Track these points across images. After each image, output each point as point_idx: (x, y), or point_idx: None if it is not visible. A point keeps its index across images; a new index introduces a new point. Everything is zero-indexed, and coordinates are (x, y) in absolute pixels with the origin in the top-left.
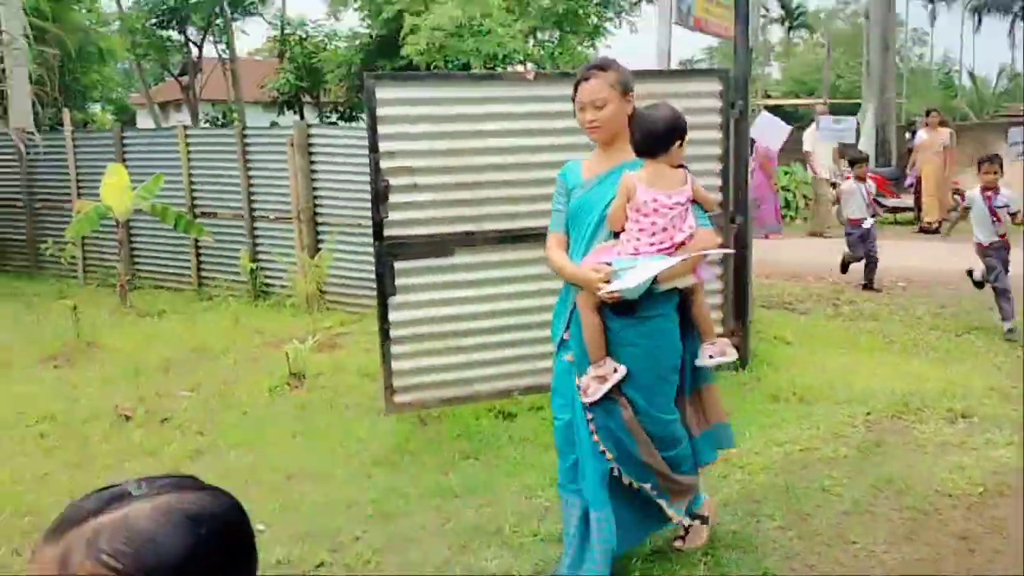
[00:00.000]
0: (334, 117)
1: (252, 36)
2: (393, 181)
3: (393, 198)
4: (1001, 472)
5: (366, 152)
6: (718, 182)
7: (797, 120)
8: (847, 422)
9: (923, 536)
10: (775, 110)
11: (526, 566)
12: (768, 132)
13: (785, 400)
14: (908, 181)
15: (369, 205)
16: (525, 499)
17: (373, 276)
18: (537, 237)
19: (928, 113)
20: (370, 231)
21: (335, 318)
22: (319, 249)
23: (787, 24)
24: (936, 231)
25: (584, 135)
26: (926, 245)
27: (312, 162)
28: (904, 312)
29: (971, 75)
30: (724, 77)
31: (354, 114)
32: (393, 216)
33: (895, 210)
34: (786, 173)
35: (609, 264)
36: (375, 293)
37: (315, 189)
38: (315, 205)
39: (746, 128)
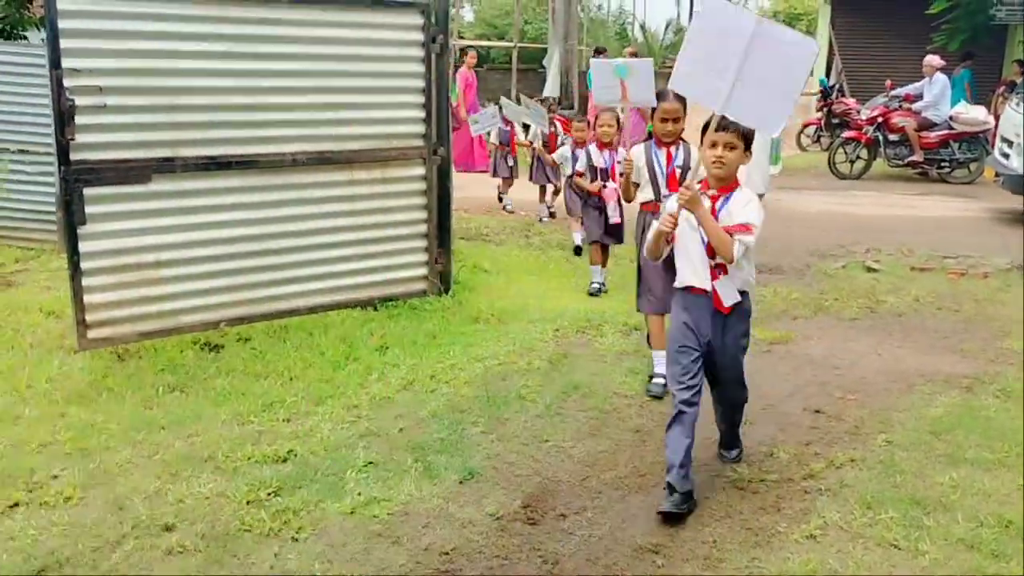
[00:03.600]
0: None
1: None
2: (79, 101)
3: (80, 119)
4: None
5: (42, 73)
6: (421, 114)
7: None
8: (539, 338)
9: (605, 432)
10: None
11: (242, 487)
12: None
13: (485, 321)
14: None
15: (46, 130)
16: (238, 426)
17: (51, 208)
18: (242, 164)
19: (597, 52)
20: (47, 158)
21: (8, 255)
22: None
23: None
24: None
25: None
26: None
27: None
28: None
29: (642, 27)
30: (425, 11)
31: (15, 32)
32: (81, 139)
33: None
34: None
35: None
36: (55, 226)
37: None
38: None
39: (445, 63)
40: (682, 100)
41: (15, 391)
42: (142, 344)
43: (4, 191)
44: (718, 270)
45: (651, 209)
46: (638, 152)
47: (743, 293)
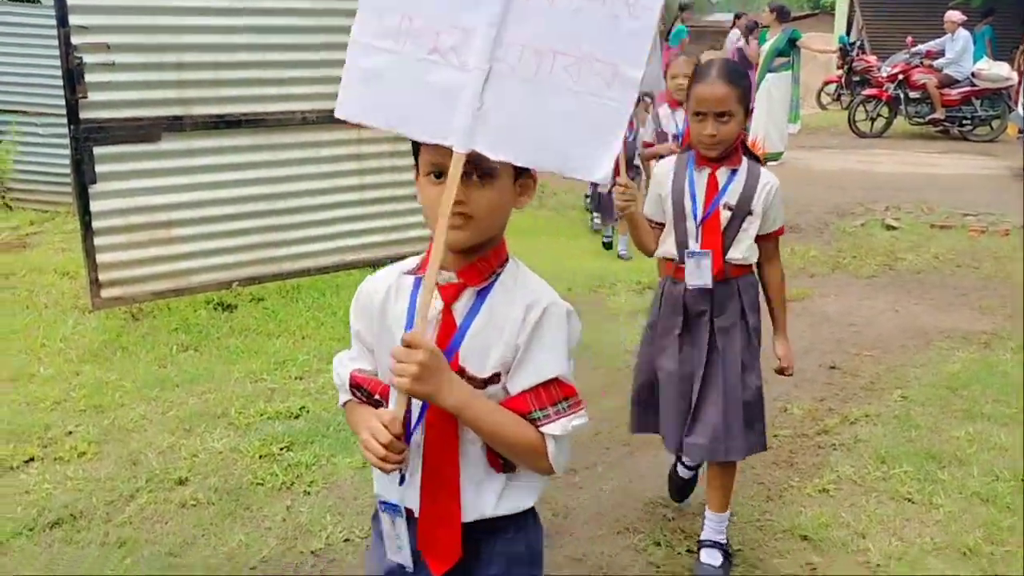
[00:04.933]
0: None
1: None
2: (88, 59)
3: (89, 78)
4: None
5: (53, 35)
6: None
7: None
8: None
9: (615, 389)
10: None
11: (254, 442)
12: None
13: None
14: None
15: (58, 92)
16: (251, 384)
17: (65, 171)
18: (251, 123)
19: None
20: (59, 121)
21: (23, 217)
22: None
23: None
24: None
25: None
26: None
27: None
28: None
29: None
30: None
31: None
32: (90, 97)
33: None
34: None
35: None
36: (69, 188)
37: None
38: None
39: None
40: (737, 79)
41: (30, 350)
42: (156, 304)
43: (18, 154)
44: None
45: (672, 273)
46: (664, 171)
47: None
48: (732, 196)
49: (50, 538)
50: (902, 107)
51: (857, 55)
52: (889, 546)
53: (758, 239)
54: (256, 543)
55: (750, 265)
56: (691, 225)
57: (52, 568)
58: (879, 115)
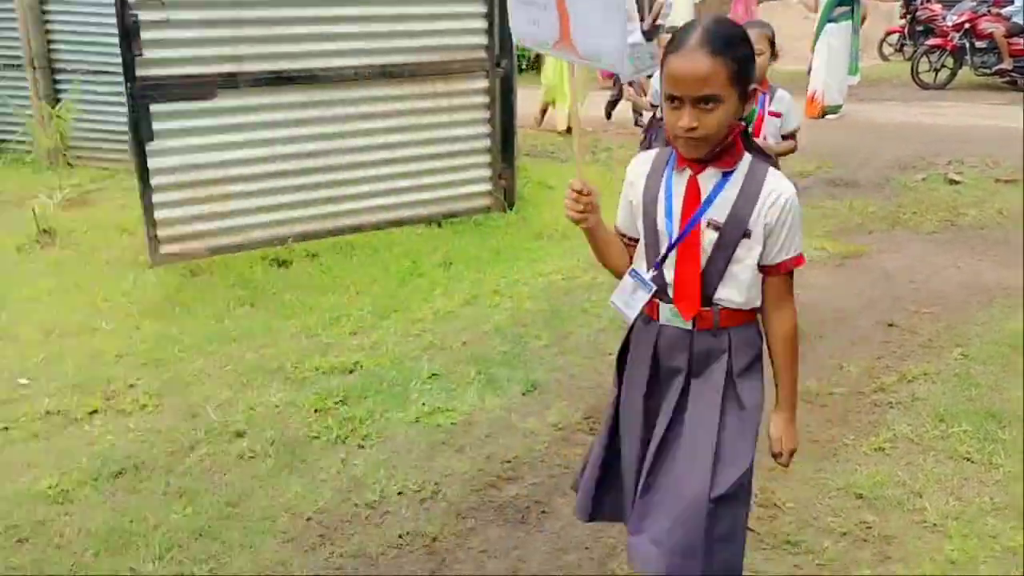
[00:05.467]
0: None
1: None
2: (143, 16)
3: (145, 35)
4: None
5: None
6: (484, 25)
7: None
8: None
9: None
10: None
11: (310, 396)
12: None
13: (548, 237)
14: None
15: (116, 50)
16: (306, 338)
17: (124, 129)
18: (306, 79)
19: None
20: (118, 79)
21: (84, 175)
22: (59, 100)
23: None
24: None
25: None
26: None
27: (43, 1)
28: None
29: None
30: None
31: None
32: (146, 54)
33: None
34: None
35: None
36: (128, 146)
37: (49, 32)
38: (50, 50)
39: None
40: (726, 48)
41: (92, 305)
42: (212, 260)
43: (79, 112)
44: None
45: (647, 309)
46: (637, 171)
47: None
48: (720, 210)
49: (113, 488)
50: (967, 57)
51: (921, 4)
52: (946, 505)
53: (763, 271)
54: (311, 495)
55: (752, 311)
56: (664, 248)
57: (116, 516)
58: (943, 66)
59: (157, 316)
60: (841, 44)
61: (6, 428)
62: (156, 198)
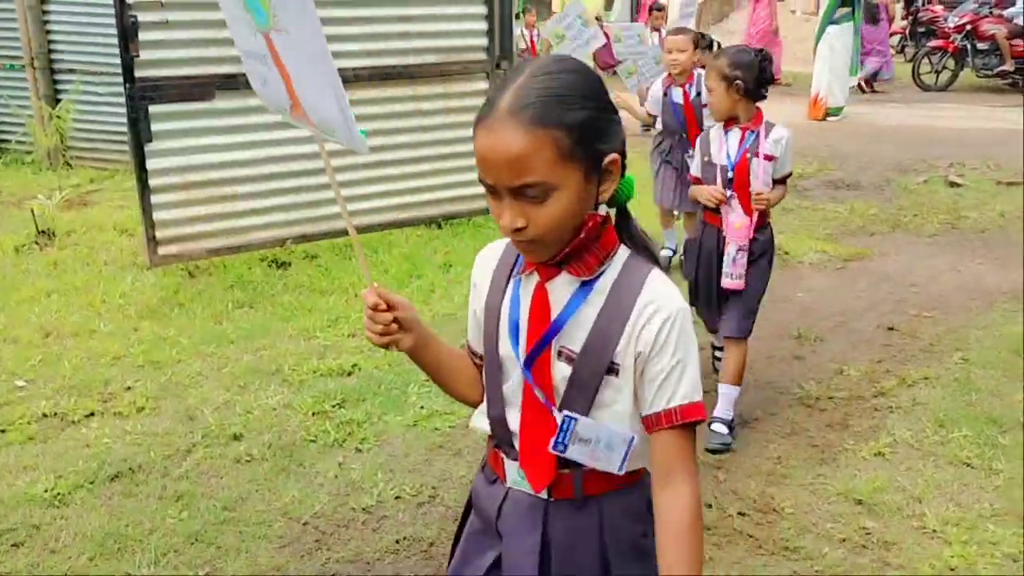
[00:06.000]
0: None
1: None
2: (142, 17)
3: (144, 36)
4: None
5: None
6: (484, 27)
7: None
8: None
9: None
10: None
11: (307, 399)
12: None
13: None
14: None
15: (115, 50)
16: (304, 341)
17: (123, 129)
18: None
19: None
20: (117, 79)
21: (83, 175)
22: (59, 100)
23: None
24: None
25: None
26: None
27: (43, 1)
28: None
29: None
30: None
31: None
32: (145, 56)
33: None
34: None
35: None
36: (127, 147)
37: (49, 32)
38: (50, 51)
39: None
40: (560, 110)
41: (91, 306)
42: (211, 261)
43: (78, 113)
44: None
45: (491, 460)
46: (482, 274)
47: None
48: (574, 334)
49: (110, 491)
50: (969, 59)
51: (923, 5)
52: (946, 511)
53: (644, 424)
54: (308, 499)
55: (638, 472)
56: (511, 379)
57: (113, 520)
58: (945, 67)
59: (155, 317)
60: (843, 45)
61: (3, 431)
62: (155, 199)
